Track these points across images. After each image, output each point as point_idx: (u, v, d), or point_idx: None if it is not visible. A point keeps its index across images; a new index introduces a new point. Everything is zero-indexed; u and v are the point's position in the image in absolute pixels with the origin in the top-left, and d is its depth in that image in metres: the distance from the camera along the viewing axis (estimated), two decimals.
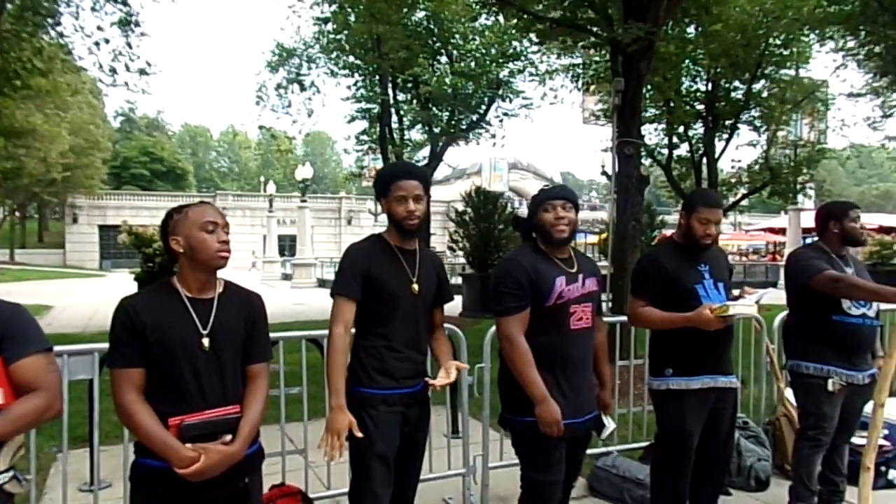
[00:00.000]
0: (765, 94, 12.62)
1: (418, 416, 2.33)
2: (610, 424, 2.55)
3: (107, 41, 9.60)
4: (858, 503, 2.85)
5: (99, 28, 9.60)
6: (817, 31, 10.88)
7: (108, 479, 3.43)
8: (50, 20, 9.67)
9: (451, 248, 13.84)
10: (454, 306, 12.30)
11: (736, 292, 2.93)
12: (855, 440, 3.34)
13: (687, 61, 11.45)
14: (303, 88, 14.53)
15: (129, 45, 9.68)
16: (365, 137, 15.16)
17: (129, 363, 1.74)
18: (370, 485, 2.21)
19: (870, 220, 20.41)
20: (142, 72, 9.89)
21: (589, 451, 3.14)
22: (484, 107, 14.46)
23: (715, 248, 2.97)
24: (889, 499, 3.55)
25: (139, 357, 1.75)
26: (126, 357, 1.75)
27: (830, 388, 3.04)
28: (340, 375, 2.19)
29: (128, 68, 9.81)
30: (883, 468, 3.70)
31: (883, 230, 19.51)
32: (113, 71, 9.80)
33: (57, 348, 2.57)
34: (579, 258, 2.54)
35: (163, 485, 1.72)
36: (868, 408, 3.08)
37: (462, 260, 14.48)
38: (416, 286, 2.29)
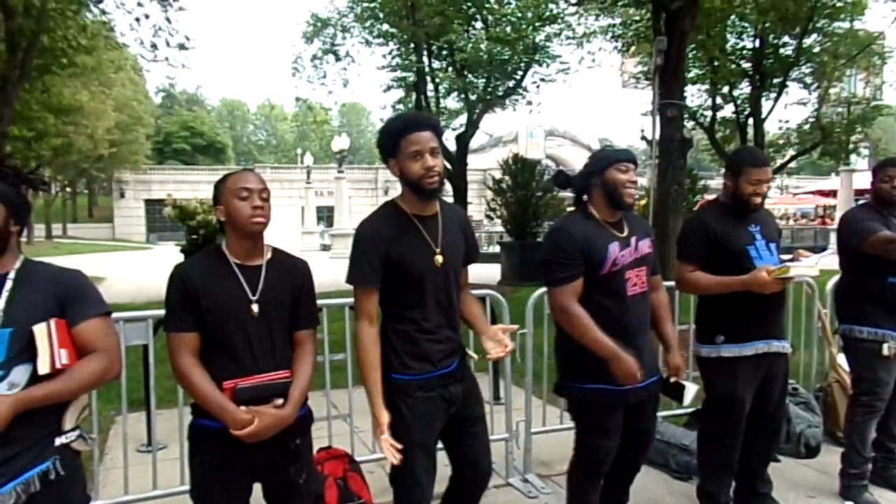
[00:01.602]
0: (816, 49, 12.02)
1: (463, 392, 2.16)
2: (691, 387, 2.43)
3: (147, 16, 9.74)
4: None
5: (139, 4, 9.74)
6: None
7: (165, 441, 3.57)
8: None
9: (488, 217, 13.77)
10: (493, 275, 12.33)
11: (787, 256, 2.82)
12: None
13: (733, 16, 10.95)
14: (338, 58, 14.49)
15: (168, 20, 9.82)
16: (401, 107, 15.06)
17: (184, 327, 1.81)
18: (412, 472, 2.08)
19: None
20: (181, 46, 10.03)
21: None
22: (520, 72, 14.15)
23: (763, 208, 2.88)
24: None
25: (194, 322, 1.81)
26: (182, 321, 1.81)
27: (885, 352, 2.96)
28: (375, 374, 2.02)
29: (168, 43, 9.96)
30: None
31: None
32: (153, 46, 9.97)
33: (114, 315, 2.69)
34: (630, 220, 2.44)
35: (219, 444, 1.79)
36: None
37: (500, 228, 14.42)
38: (439, 258, 2.06)
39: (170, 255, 12.93)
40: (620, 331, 2.31)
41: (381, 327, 2.13)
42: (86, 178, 41.43)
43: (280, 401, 1.83)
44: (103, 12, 10.20)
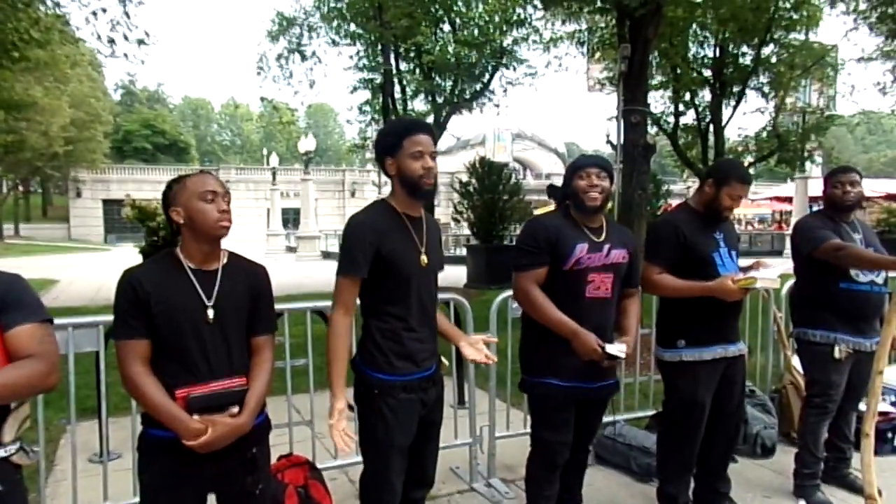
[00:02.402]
0: (773, 60, 12.37)
1: (435, 397, 2.21)
2: (619, 346, 2.33)
3: (104, 10, 9.42)
4: (861, 469, 2.87)
5: None
6: None
7: (118, 451, 3.46)
8: None
9: (455, 220, 13.79)
10: (459, 277, 12.33)
11: (746, 262, 2.88)
12: (862, 407, 3.33)
13: (694, 26, 11.21)
14: (304, 58, 14.31)
15: (127, 15, 9.50)
16: (368, 108, 14.96)
17: (134, 335, 1.73)
18: (388, 477, 2.10)
19: (878, 187, 20.21)
20: (140, 42, 9.71)
21: None
22: (488, 76, 14.23)
23: None
24: (895, 464, 3.56)
25: (144, 329, 1.73)
26: (131, 329, 1.73)
27: (837, 355, 3.05)
28: (341, 364, 2.02)
29: (126, 38, 9.64)
30: (889, 434, 3.71)
31: (891, 197, 19.32)
32: (111, 41, 9.62)
33: (62, 321, 2.59)
34: (612, 228, 2.52)
35: (170, 455, 1.72)
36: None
37: (466, 231, 14.44)
38: (424, 258, 2.11)
39: (128, 256, 12.57)
40: None
41: (363, 325, 2.15)
42: (40, 176, 40.03)
43: (235, 409, 1.77)
44: (57, 5, 9.84)
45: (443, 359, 2.28)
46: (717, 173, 2.78)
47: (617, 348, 2.32)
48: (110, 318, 2.09)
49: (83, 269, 17.86)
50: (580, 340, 2.31)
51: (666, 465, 2.95)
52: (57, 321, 2.40)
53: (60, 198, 44.63)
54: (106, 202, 38.39)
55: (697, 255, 2.71)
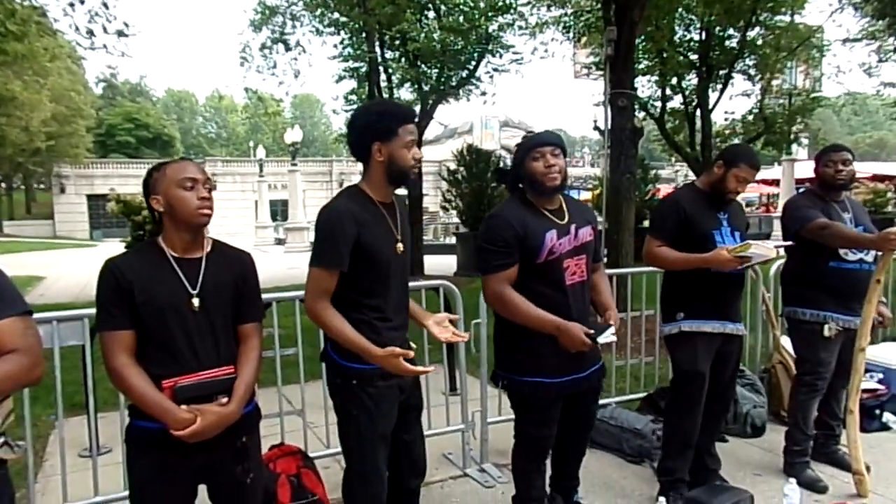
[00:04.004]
0: (759, 42, 12.39)
1: (411, 381, 2.17)
2: (609, 331, 2.28)
3: (81, 1, 9.25)
4: (848, 445, 2.90)
5: None
6: None
7: (108, 445, 3.43)
8: None
9: (444, 208, 13.75)
10: (449, 265, 12.33)
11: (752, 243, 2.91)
12: None
13: (680, 9, 11.18)
14: (288, 48, 14.14)
15: (106, 6, 9.32)
16: (353, 97, 14.83)
17: (118, 325, 1.70)
18: (376, 466, 2.08)
19: (863, 168, 20.40)
20: (120, 33, 9.53)
21: None
22: (474, 63, 14.11)
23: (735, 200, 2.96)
24: (883, 441, 3.61)
25: (128, 319, 1.70)
26: (115, 319, 1.70)
27: (826, 333, 3.06)
28: (352, 331, 1.95)
29: (105, 30, 9.47)
30: (877, 411, 3.75)
31: (877, 178, 19.52)
32: (90, 33, 9.44)
33: (46, 314, 2.56)
34: (570, 206, 2.42)
35: (159, 446, 1.70)
36: (871, 351, 3.11)
37: (455, 219, 14.43)
38: (400, 245, 2.07)
39: (115, 252, 12.42)
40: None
41: None
42: (22, 172, 39.47)
43: (224, 398, 1.74)
44: None
45: (411, 344, 2.22)
46: (728, 155, 2.82)
47: (607, 335, 2.24)
48: (94, 311, 2.06)
49: (69, 266, 17.66)
50: (567, 335, 2.21)
51: (669, 440, 2.97)
52: (41, 315, 2.36)
53: (44, 194, 43.99)
54: (90, 197, 37.89)
55: (698, 231, 2.75)
